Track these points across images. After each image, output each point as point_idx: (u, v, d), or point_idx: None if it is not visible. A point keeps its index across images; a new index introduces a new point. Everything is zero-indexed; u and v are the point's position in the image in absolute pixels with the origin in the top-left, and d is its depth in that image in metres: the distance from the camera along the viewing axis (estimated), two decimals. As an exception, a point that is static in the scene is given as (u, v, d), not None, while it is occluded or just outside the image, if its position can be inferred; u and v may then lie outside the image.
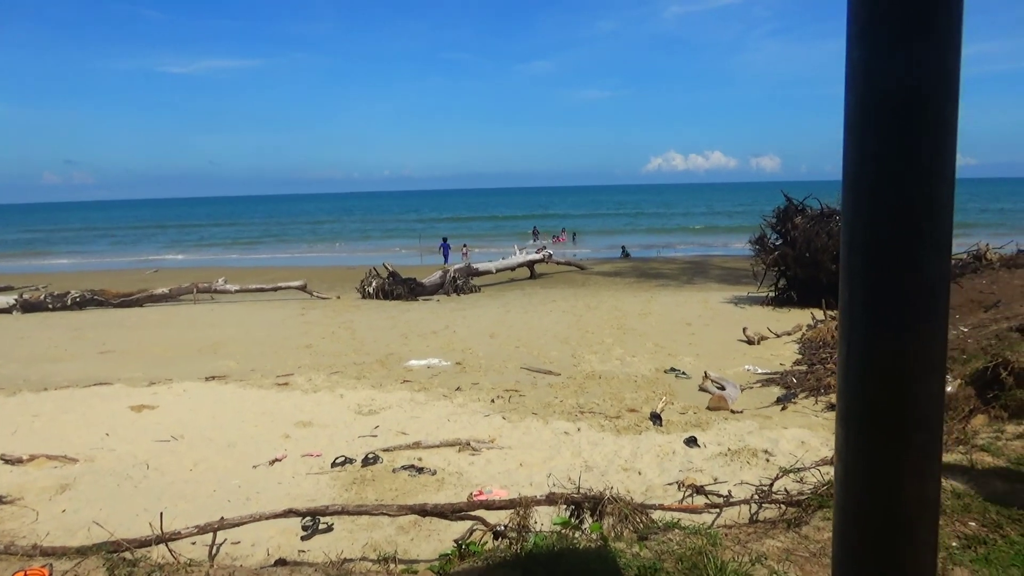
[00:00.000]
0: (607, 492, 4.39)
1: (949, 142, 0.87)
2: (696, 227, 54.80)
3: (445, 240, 33.44)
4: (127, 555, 3.89)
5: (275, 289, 20.35)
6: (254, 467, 6.37)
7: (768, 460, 6.13)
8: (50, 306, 18.74)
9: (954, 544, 3.45)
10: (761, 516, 4.49)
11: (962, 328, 8.98)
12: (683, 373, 9.78)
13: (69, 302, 18.94)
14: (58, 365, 11.43)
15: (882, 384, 0.89)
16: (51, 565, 3.68)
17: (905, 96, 0.82)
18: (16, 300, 18.69)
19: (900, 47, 0.83)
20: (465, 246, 35.20)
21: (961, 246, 16.92)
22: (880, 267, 0.88)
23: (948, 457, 4.70)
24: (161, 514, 4.47)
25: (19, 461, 6.48)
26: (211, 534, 4.36)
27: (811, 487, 4.63)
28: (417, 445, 6.77)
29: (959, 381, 6.24)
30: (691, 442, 6.68)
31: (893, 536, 0.86)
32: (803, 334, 12.01)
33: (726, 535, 3.87)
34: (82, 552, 3.90)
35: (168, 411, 8.29)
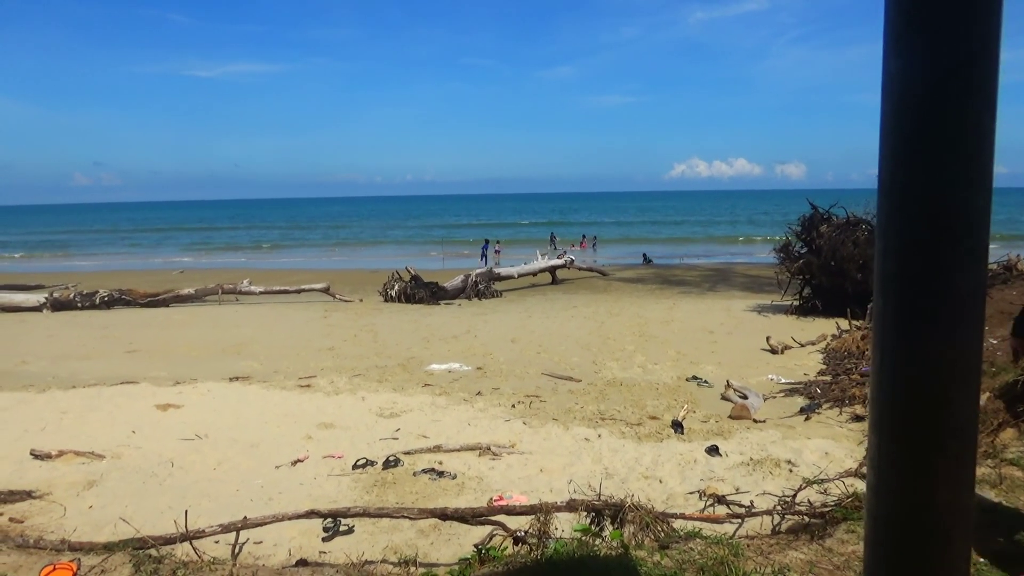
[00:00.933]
0: (628, 499, 4.38)
1: (986, 150, 0.87)
2: (719, 234, 54.39)
3: (487, 242, 34.32)
4: (152, 552, 3.95)
5: (298, 291, 20.51)
6: (276, 467, 6.43)
7: (791, 471, 6.07)
8: (79, 305, 19.07)
9: (982, 560, 3.39)
10: (784, 527, 4.45)
11: (991, 340, 8.82)
12: (705, 381, 9.72)
13: (97, 301, 19.27)
14: (86, 363, 11.63)
15: (916, 391, 0.88)
16: (79, 560, 3.75)
17: (941, 104, 0.82)
18: (46, 299, 19.04)
19: (936, 54, 0.83)
20: (499, 242, 36.00)
21: (991, 256, 16.60)
22: (915, 274, 0.87)
23: (977, 471, 4.62)
24: (186, 512, 4.53)
25: (48, 457, 6.60)
26: (234, 533, 4.41)
27: (835, 499, 4.58)
28: (438, 449, 6.78)
29: (988, 394, 6.13)
30: (713, 451, 6.63)
31: (927, 544, 0.86)
32: (827, 344, 11.87)
33: (748, 546, 3.84)
34: (109, 548, 3.97)
35: (193, 410, 8.39)
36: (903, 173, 0.88)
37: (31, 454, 6.65)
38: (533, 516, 4.20)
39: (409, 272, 20.70)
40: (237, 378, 10.24)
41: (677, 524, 4.42)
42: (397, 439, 7.22)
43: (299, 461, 6.56)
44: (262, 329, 15.23)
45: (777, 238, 19.10)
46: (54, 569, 3.60)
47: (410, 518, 4.64)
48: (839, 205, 16.34)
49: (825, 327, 13.40)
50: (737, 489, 5.60)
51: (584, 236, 44.41)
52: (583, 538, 3.90)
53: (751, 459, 6.38)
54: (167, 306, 19.61)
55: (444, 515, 4.54)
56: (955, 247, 0.86)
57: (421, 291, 19.66)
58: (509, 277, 23.25)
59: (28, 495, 5.65)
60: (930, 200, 0.86)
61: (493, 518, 4.44)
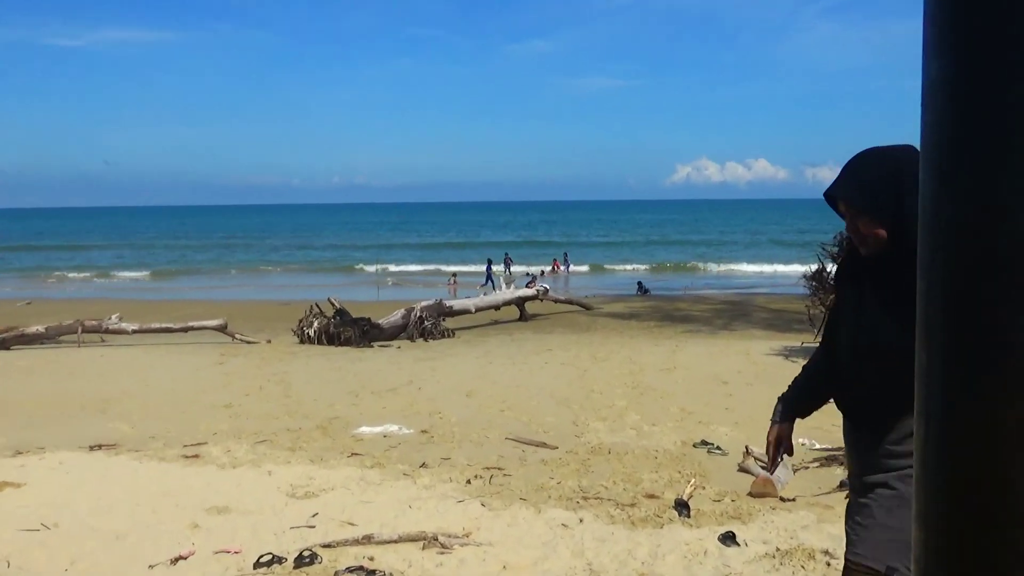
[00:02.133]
0: (618, 604, 4.37)
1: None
2: (735, 256, 55.27)
3: (490, 262, 35.46)
4: None
5: (185, 330, 20.35)
6: (151, 567, 6.31)
7: (829, 564, 6.14)
8: None
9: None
10: (819, 638, 4.49)
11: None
12: (717, 448, 9.81)
13: (-89, 343, 18.78)
14: None
15: (969, 468, 0.91)
16: None
17: (990, 143, 0.87)
18: None
19: (983, 63, 0.87)
20: (455, 274, 36.85)
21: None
22: (965, 327, 0.90)
23: None
24: (26, 629, 4.41)
25: None
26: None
27: (884, 600, 4.64)
28: (368, 540, 6.73)
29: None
30: (728, 539, 6.68)
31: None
32: (873, 398, 12.09)
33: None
34: None
35: (38, 490, 8.21)
36: (948, 199, 0.91)
37: None
38: (493, 628, 4.17)
39: (333, 305, 20.66)
40: (100, 446, 10.06)
41: (681, 636, 4.42)
42: (314, 527, 7.15)
43: (181, 558, 6.45)
44: (135, 380, 15.00)
45: (806, 256, 19.46)
46: None
47: (330, 633, 4.57)
48: (885, 219, 16.74)
49: (870, 376, 13.66)
50: (759, 589, 5.65)
51: (556, 259, 44.81)
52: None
53: (777, 549, 6.44)
54: (7, 348, 19.24)
55: (376, 628, 4.49)
56: (1009, 295, 0.89)
57: (349, 329, 19.61)
58: (465, 312, 23.30)
59: None
60: (979, 246, 0.89)
61: (441, 632, 4.41)
